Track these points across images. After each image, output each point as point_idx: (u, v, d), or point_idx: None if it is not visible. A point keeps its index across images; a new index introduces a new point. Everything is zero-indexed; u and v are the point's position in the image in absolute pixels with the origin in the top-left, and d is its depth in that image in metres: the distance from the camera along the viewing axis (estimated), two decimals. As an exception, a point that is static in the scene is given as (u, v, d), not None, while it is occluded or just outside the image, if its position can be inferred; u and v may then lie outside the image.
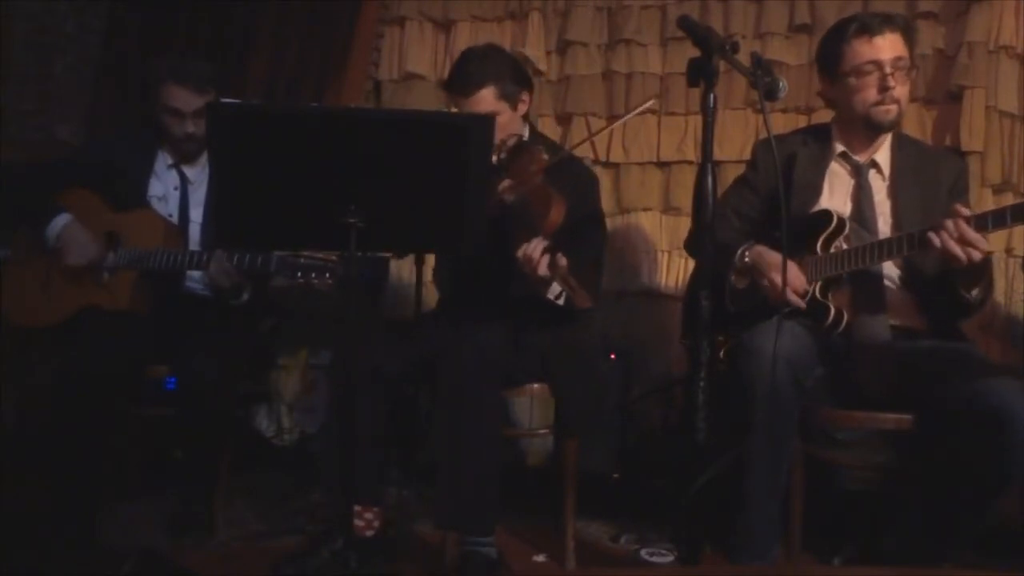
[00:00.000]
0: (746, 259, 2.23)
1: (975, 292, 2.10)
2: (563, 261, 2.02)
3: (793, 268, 2.16)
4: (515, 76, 2.42)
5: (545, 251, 2.05)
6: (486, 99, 2.35)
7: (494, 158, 2.19)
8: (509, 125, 2.38)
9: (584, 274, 2.17)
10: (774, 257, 2.15)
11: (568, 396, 2.34)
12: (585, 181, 2.49)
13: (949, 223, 1.96)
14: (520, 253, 2.08)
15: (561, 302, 2.12)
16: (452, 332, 2.26)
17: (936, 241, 1.97)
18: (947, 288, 2.13)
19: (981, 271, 2.07)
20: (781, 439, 2.07)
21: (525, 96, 2.44)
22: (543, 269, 2.04)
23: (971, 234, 1.94)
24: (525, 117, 2.49)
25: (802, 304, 2.15)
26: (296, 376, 3.37)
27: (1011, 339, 2.90)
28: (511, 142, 2.32)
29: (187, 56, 2.75)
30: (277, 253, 2.36)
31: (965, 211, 1.97)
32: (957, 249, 1.94)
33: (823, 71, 2.31)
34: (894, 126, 2.27)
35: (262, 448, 3.21)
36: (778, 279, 2.08)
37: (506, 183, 2.23)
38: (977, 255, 1.95)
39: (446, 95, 2.53)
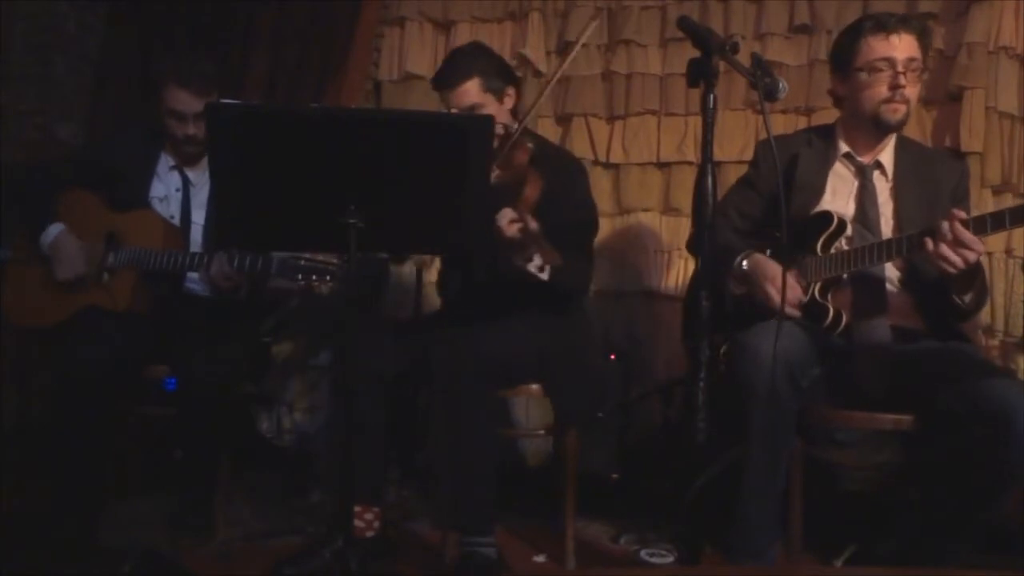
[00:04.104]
0: (744, 267, 2.22)
1: (967, 298, 2.10)
2: (534, 224, 2.01)
3: (790, 280, 2.15)
4: (500, 71, 2.45)
5: (515, 219, 2.04)
6: (471, 91, 2.38)
7: None
8: (495, 118, 2.38)
9: (572, 260, 2.16)
10: (771, 268, 2.15)
11: (565, 396, 2.33)
12: (571, 170, 2.49)
13: (944, 225, 1.95)
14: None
15: (544, 276, 2.07)
16: (450, 332, 2.27)
17: (930, 245, 1.97)
18: (943, 293, 2.13)
19: (973, 276, 2.06)
20: (778, 439, 2.07)
21: (511, 91, 2.46)
22: (513, 231, 2.02)
23: (967, 235, 1.93)
24: (514, 112, 2.49)
25: (797, 315, 2.15)
26: (296, 376, 3.37)
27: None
28: (496, 131, 2.32)
29: (191, 56, 2.74)
30: (277, 255, 2.36)
31: (961, 214, 1.97)
32: (950, 253, 1.94)
33: (835, 66, 2.31)
34: (901, 126, 2.27)
35: (262, 448, 3.21)
36: (772, 291, 2.09)
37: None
38: (972, 256, 1.94)
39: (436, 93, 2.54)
